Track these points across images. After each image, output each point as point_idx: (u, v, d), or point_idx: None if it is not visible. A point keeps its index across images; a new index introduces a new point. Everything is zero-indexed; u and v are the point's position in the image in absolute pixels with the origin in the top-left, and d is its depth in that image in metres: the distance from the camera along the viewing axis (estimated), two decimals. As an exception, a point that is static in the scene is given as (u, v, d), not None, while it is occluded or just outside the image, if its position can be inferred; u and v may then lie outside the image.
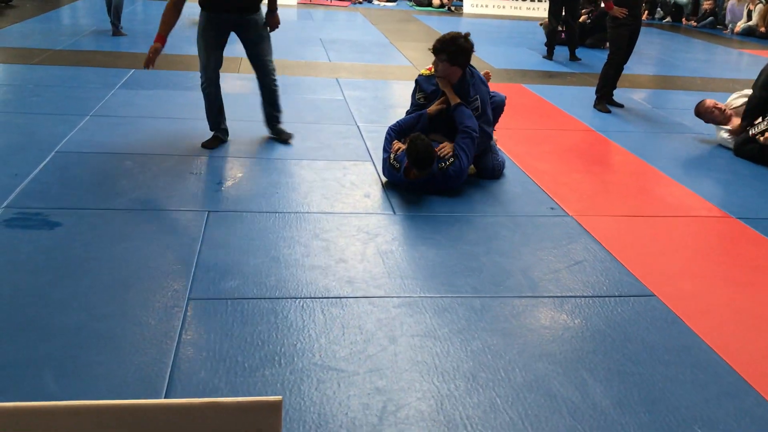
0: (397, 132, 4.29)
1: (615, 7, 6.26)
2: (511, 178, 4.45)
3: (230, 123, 5.06)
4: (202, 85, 4.61)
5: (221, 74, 4.67)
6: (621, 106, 6.62)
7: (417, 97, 4.47)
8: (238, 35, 4.60)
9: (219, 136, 4.73)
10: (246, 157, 4.52)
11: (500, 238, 3.53)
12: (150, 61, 4.24)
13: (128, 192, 3.78)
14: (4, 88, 5.89)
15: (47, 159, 4.17)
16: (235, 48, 8.25)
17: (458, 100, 4.20)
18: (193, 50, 8.07)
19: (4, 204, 3.49)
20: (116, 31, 8.41)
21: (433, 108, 4.27)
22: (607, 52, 6.65)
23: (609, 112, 6.39)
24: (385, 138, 4.32)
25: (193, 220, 3.50)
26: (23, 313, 2.57)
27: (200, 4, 4.44)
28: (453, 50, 4.11)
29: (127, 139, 4.66)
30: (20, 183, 3.76)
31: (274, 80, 4.78)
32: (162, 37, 4.26)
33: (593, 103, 6.53)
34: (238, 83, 6.77)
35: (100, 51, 7.45)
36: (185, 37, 8.80)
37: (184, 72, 6.74)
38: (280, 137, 4.89)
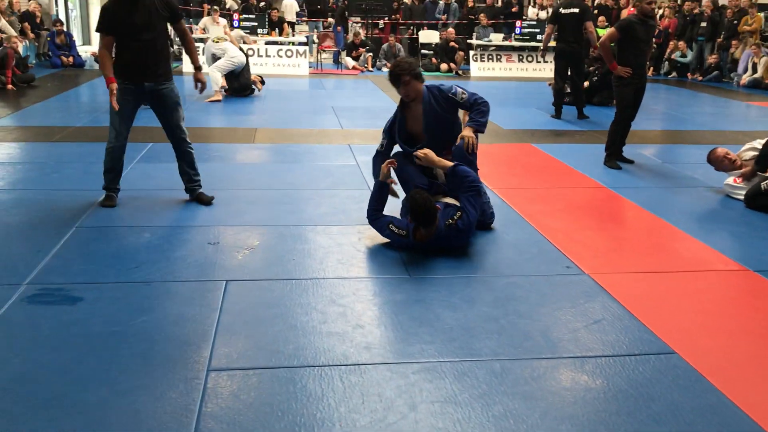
0: (374, 212, 4.31)
1: (619, 66, 6.39)
2: (524, 238, 4.47)
3: (248, 192, 5.15)
4: (108, 145, 4.77)
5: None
6: (631, 162, 6.68)
7: (380, 145, 4.63)
8: (154, 104, 4.81)
9: (113, 195, 4.90)
10: (262, 225, 4.58)
11: (517, 299, 3.53)
12: (115, 102, 4.54)
13: (147, 264, 3.84)
14: (27, 166, 6.06)
15: (68, 234, 4.25)
16: (249, 119, 8.46)
17: (450, 164, 4.25)
18: (208, 123, 8.29)
19: (27, 280, 3.56)
20: None
21: (383, 174, 4.32)
22: (615, 110, 6.75)
23: (619, 168, 6.44)
24: (372, 220, 4.31)
25: (211, 290, 3.54)
26: (46, 390, 2.60)
27: (117, 74, 4.60)
28: (410, 68, 4.37)
29: (145, 212, 4.75)
30: (42, 259, 3.83)
31: (190, 143, 4.99)
32: (113, 78, 4.53)
33: (603, 160, 6.59)
34: (255, 153, 6.92)
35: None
36: (202, 110, 9.06)
37: (201, 144, 6.90)
38: (202, 200, 5.01)
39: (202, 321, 3.19)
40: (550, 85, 10.44)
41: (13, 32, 12.31)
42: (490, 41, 15.02)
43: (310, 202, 5.14)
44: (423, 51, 15.60)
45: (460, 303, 3.45)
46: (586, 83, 10.04)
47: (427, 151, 4.29)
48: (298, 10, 18.31)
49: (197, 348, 2.95)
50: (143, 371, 2.75)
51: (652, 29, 6.63)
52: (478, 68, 14.61)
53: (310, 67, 14.21)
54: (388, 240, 4.24)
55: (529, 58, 15.01)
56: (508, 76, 14.46)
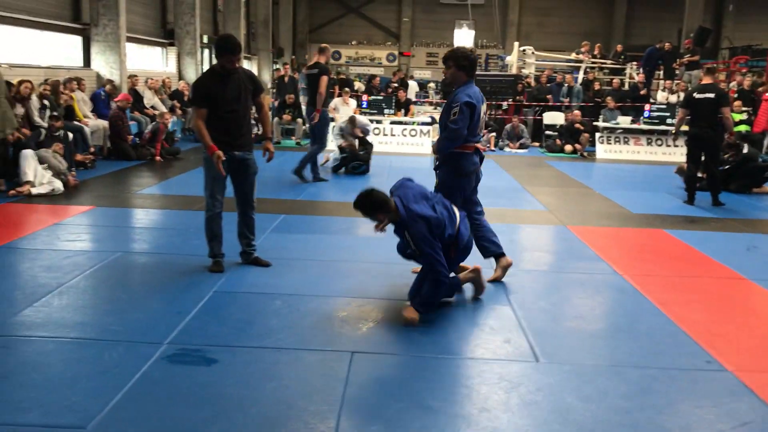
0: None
1: None
2: (658, 327, 4.25)
3: (370, 265, 5.24)
4: (208, 214, 5.05)
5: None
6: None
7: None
8: (236, 171, 5.05)
9: (221, 261, 5.11)
10: (385, 299, 4.62)
11: (654, 393, 3.33)
12: (222, 168, 4.84)
13: (278, 331, 3.96)
14: (170, 231, 6.49)
15: (206, 298, 4.48)
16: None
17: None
18: (330, 197, 8.56)
19: (168, 340, 3.76)
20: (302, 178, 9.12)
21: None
22: (753, 197, 6.38)
23: None
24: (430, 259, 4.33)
25: (337, 360, 3.58)
26: (182, 447, 2.70)
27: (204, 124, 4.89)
28: (458, 56, 4.78)
29: (276, 280, 4.93)
30: (182, 321, 4.04)
31: (255, 210, 5.28)
32: (215, 146, 4.80)
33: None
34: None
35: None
36: (329, 186, 9.40)
37: (326, 217, 7.15)
38: (260, 264, 5.23)
39: (328, 391, 3.23)
40: (676, 172, 10.07)
41: (164, 109, 13.43)
42: (617, 123, 14.78)
43: (434, 278, 5.15)
44: (547, 132, 15.56)
45: (592, 393, 3.30)
46: (721, 169, 9.60)
47: None
48: (418, 90, 18.97)
49: (324, 418, 2.98)
50: (272, 437, 2.80)
51: None
52: (604, 150, 14.35)
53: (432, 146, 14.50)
54: (520, 319, 4.15)
55: (659, 142, 14.58)
56: (635, 159, 14.08)
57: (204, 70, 5.10)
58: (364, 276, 5.12)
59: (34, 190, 7.72)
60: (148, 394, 3.15)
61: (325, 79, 8.71)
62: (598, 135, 14.56)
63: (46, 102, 9.72)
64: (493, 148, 14.98)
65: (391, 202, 4.29)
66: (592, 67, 18.56)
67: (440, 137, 4.97)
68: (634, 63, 18.62)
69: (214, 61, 5.03)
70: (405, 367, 3.54)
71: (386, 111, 14.77)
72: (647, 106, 14.93)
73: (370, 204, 4.29)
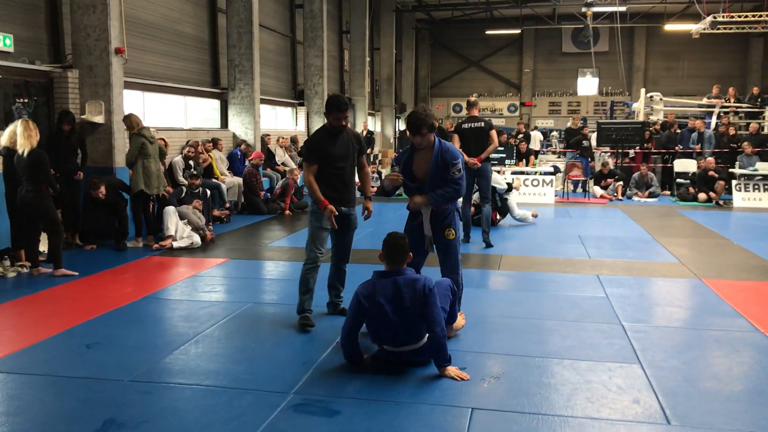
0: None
1: None
2: (808, 393, 3.91)
3: (493, 319, 5.20)
4: (309, 265, 5.16)
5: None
6: None
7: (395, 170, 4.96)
8: (340, 226, 5.13)
9: (309, 316, 5.15)
10: (506, 354, 4.56)
11: (801, 464, 3.06)
12: (334, 219, 5.04)
13: (397, 383, 4.00)
14: (297, 283, 6.74)
15: (330, 348, 4.61)
16: (495, 246, 8.54)
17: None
18: (539, 252, 8.56)
19: (294, 390, 3.91)
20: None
21: (390, 180, 4.86)
22: None
23: None
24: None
25: (457, 416, 3.58)
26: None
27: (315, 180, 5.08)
28: (429, 122, 4.71)
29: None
30: (308, 371, 4.19)
31: (347, 263, 5.46)
32: (327, 201, 5.00)
33: None
34: (500, 279, 7.01)
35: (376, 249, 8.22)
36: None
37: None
38: (338, 311, 5.39)
39: (448, 447, 3.22)
40: None
41: (293, 165, 14.13)
42: (755, 170, 13.91)
43: (555, 333, 5.03)
44: (678, 180, 14.89)
45: (729, 461, 3.09)
46: None
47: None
48: (542, 139, 18.82)
49: (443, 474, 2.97)
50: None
51: None
52: (741, 198, 13.51)
53: (555, 195, 14.25)
54: (650, 378, 3.97)
55: (805, 188, 13.56)
56: (778, 207, 13.15)
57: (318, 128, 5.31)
58: (484, 330, 5.08)
59: (176, 244, 8.32)
60: (274, 442, 3.28)
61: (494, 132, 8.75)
62: (734, 182, 13.76)
63: (191, 162, 10.53)
64: (620, 197, 14.51)
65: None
66: (726, 112, 17.66)
67: (438, 192, 4.78)
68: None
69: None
70: (527, 426, 3.46)
71: (507, 162, 14.73)
72: (790, 151, 13.97)
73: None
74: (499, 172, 13.43)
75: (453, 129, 9.15)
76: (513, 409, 3.68)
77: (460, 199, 5.85)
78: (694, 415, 3.60)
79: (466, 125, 8.71)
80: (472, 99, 9.20)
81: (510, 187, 10.77)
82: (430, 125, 4.72)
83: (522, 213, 10.76)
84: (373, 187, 14.91)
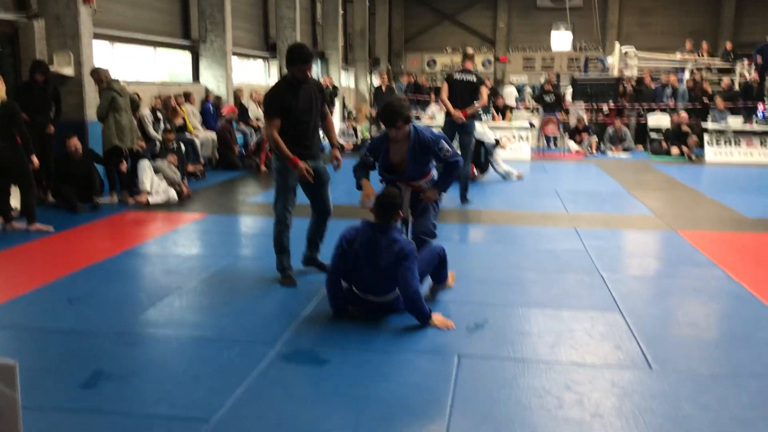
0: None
1: None
2: (782, 337, 4.04)
3: (474, 271, 5.24)
4: (280, 227, 5.05)
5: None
6: None
7: (365, 156, 4.82)
8: (313, 180, 4.97)
9: (291, 275, 5.10)
10: (490, 305, 4.62)
11: (778, 404, 3.17)
12: (310, 175, 4.87)
13: (386, 332, 4.04)
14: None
15: (314, 301, 4.62)
16: (474, 201, 8.57)
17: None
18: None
19: (281, 341, 3.92)
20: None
21: (365, 196, 4.64)
22: None
23: None
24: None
25: (445, 363, 3.62)
26: (299, 442, 2.81)
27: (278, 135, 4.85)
28: (405, 113, 4.52)
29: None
30: (294, 323, 4.20)
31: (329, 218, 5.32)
32: (297, 158, 4.82)
33: None
34: (480, 233, 7.06)
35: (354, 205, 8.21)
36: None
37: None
38: (319, 266, 5.30)
39: (437, 393, 3.27)
40: None
41: (267, 120, 13.94)
42: (727, 125, 14.09)
43: (537, 284, 5.10)
44: (652, 135, 15.03)
45: (710, 402, 3.18)
46: None
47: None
48: (517, 96, 18.82)
49: (434, 419, 3.02)
50: (385, 435, 2.87)
51: None
52: (713, 153, 13.70)
53: (531, 150, 14.30)
54: (632, 325, 4.06)
55: (774, 143, 13.80)
56: (748, 161, 13.37)
57: (277, 81, 5.06)
58: (467, 282, 5.12)
59: (151, 199, 8.20)
60: (265, 392, 3.29)
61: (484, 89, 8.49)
62: (706, 137, 13.93)
63: (159, 115, 10.32)
64: (595, 152, 14.62)
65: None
66: (699, 67, 17.77)
67: (444, 179, 4.76)
68: (746, 60, 17.66)
69: (314, 75, 5.07)
70: (512, 372, 3.53)
71: (483, 117, 14.70)
72: (761, 106, 14.14)
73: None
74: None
75: (445, 78, 8.91)
76: (499, 356, 3.73)
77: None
78: (675, 360, 3.70)
79: (458, 76, 8.51)
80: (470, 51, 8.91)
81: (498, 144, 10.75)
82: (406, 117, 4.53)
83: (507, 168, 10.77)
84: (348, 141, 14.93)
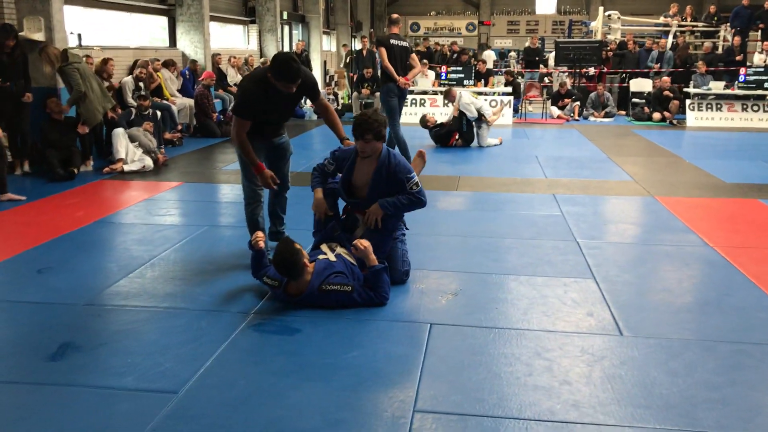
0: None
1: None
2: (752, 302, 4.07)
3: (450, 238, 5.22)
4: (252, 207, 4.86)
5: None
6: None
7: (326, 162, 4.52)
8: (272, 154, 4.82)
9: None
10: (464, 272, 4.61)
11: (746, 369, 3.20)
12: (274, 182, 4.63)
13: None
14: (254, 205, 6.66)
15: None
16: (452, 167, 8.60)
17: (375, 262, 4.04)
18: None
19: (254, 310, 3.89)
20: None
21: (319, 212, 4.45)
22: None
23: None
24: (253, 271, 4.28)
25: (417, 331, 3.62)
26: (268, 413, 2.80)
27: (249, 136, 4.56)
28: (376, 128, 4.13)
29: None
30: (267, 292, 4.16)
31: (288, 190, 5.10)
32: (263, 165, 4.59)
33: None
34: (458, 200, 7.04)
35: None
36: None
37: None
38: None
39: (408, 361, 3.27)
40: None
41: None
42: (709, 89, 14.07)
43: (512, 251, 5.10)
44: (634, 100, 15.00)
45: (678, 368, 3.20)
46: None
47: (366, 244, 4.05)
48: (496, 59, 18.67)
49: (403, 387, 3.02)
50: (353, 404, 2.87)
51: None
52: (695, 118, 13.70)
53: (514, 116, 14.24)
54: (604, 292, 4.07)
55: (755, 108, 13.79)
56: (729, 126, 13.40)
57: (255, 77, 4.63)
58: (443, 249, 5.12)
59: (127, 167, 8.08)
60: (236, 362, 3.28)
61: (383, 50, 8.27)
62: (688, 102, 13.92)
63: (141, 84, 10.13)
64: (577, 117, 14.58)
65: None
66: (683, 31, 17.68)
67: (391, 200, 4.26)
68: (728, 25, 17.60)
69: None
70: (483, 339, 3.53)
71: (466, 82, 14.58)
72: (743, 70, 14.12)
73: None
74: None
75: (378, 42, 8.72)
76: (471, 324, 3.73)
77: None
78: (646, 326, 3.71)
79: (394, 41, 8.33)
80: (395, 16, 8.83)
81: (483, 120, 10.57)
82: (377, 132, 4.13)
83: (490, 141, 10.72)
84: (337, 108, 14.71)
